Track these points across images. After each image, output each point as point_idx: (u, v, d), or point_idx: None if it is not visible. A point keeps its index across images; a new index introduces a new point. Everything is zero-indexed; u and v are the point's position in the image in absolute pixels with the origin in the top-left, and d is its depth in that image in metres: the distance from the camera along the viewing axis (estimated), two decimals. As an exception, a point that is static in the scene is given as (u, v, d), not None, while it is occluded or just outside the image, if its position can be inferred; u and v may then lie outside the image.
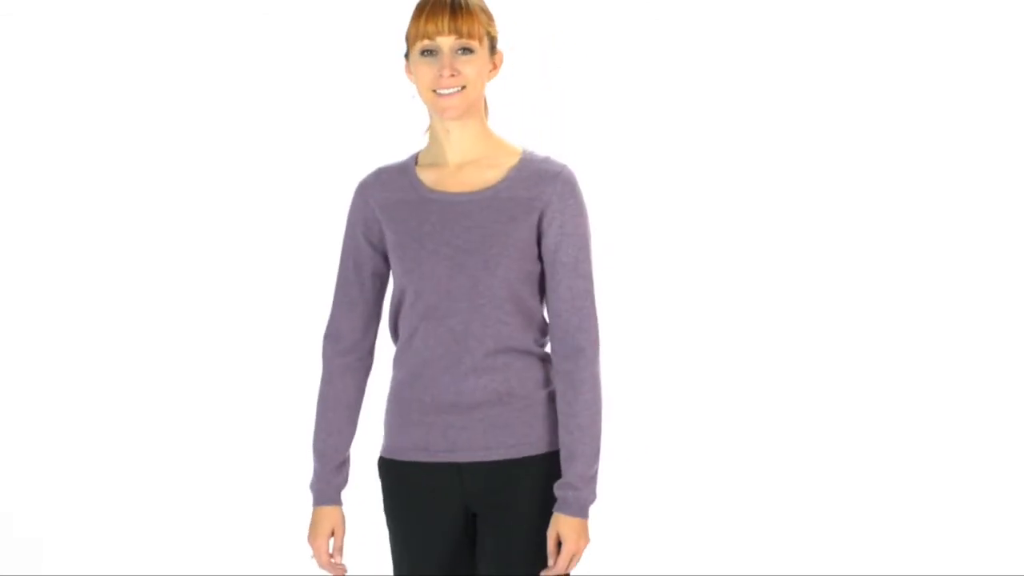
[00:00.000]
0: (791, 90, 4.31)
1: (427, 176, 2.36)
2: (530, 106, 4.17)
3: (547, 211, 2.31)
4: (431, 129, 2.37)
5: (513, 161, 2.34)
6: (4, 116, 4.33)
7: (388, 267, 2.41)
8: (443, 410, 2.33)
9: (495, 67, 2.34)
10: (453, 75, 2.26)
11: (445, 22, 2.26)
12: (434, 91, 2.28)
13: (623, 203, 4.25)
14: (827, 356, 4.30)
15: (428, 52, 2.28)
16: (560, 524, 2.29)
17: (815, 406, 4.29)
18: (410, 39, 2.30)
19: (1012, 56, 4.22)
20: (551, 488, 2.31)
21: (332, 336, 2.44)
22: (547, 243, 2.31)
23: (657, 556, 4.15)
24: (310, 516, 2.42)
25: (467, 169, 2.34)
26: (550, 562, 2.30)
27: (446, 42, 2.27)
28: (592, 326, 2.32)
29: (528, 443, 2.33)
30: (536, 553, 2.31)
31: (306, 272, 4.36)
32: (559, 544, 2.30)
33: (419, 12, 2.29)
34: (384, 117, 4.31)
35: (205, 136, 4.37)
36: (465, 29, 2.26)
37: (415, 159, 2.40)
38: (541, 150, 2.39)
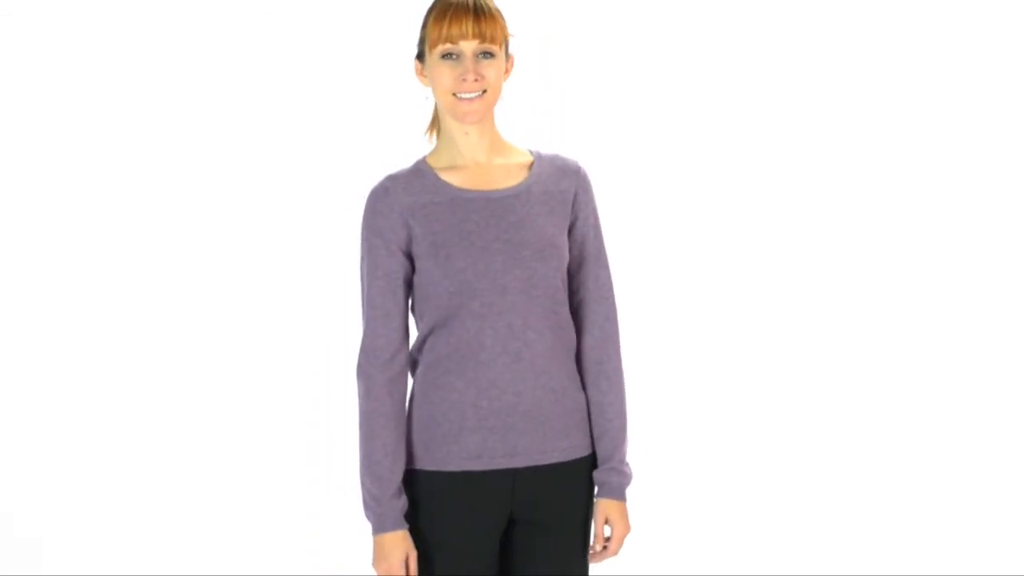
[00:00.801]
0: (791, 90, 4.32)
1: (452, 177, 2.33)
2: (530, 106, 4.18)
3: (575, 204, 2.35)
4: (445, 131, 2.35)
5: (528, 158, 2.37)
6: (4, 116, 4.33)
7: (414, 273, 2.32)
8: (504, 413, 2.28)
9: (508, 70, 2.35)
10: (476, 79, 2.25)
11: (469, 26, 2.24)
12: (454, 95, 2.27)
13: (622, 202, 4.25)
14: (826, 354, 4.30)
15: (449, 55, 2.26)
16: (609, 509, 2.36)
17: (814, 404, 4.29)
18: (429, 41, 2.27)
19: (1012, 56, 4.22)
20: (592, 488, 2.37)
21: (372, 351, 2.30)
22: (576, 235, 2.35)
23: (657, 556, 4.16)
24: (373, 544, 2.29)
25: (491, 167, 2.34)
26: (597, 547, 2.38)
27: (469, 46, 2.25)
28: (616, 316, 2.40)
29: (578, 445, 2.35)
30: (587, 551, 2.37)
31: (306, 272, 4.36)
32: (601, 530, 2.37)
33: (441, 15, 2.26)
34: (384, 117, 4.31)
35: (205, 136, 4.37)
36: (488, 33, 2.25)
37: (424, 163, 2.36)
38: (543, 149, 2.41)
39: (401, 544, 2.27)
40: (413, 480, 2.31)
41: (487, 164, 2.33)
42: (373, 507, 2.28)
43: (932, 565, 4.11)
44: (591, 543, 2.39)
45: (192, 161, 4.38)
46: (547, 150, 2.39)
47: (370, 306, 2.29)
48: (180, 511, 4.31)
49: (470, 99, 2.26)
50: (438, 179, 2.31)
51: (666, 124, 4.33)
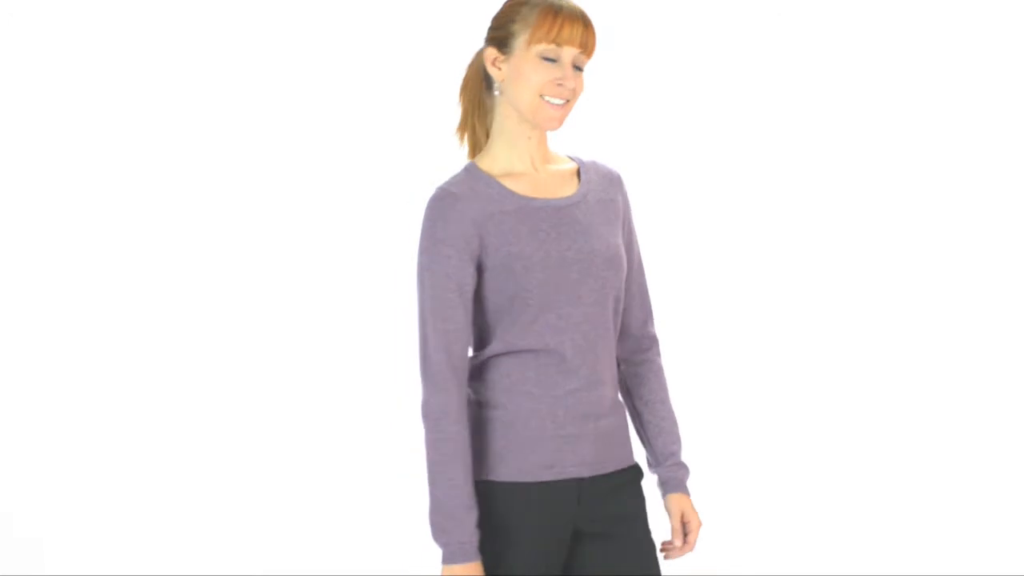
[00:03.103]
0: (791, 90, 4.31)
1: (513, 184, 2.24)
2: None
3: (622, 212, 2.35)
4: (504, 134, 2.27)
5: (573, 164, 2.34)
6: (4, 116, 4.33)
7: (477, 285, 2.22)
8: (578, 423, 2.24)
9: None
10: (571, 87, 2.21)
11: (578, 34, 2.19)
12: (542, 96, 2.21)
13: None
14: (830, 353, 4.30)
15: (548, 57, 2.20)
16: (682, 503, 2.38)
17: (815, 404, 4.29)
18: (530, 36, 2.19)
19: (1013, 56, 4.22)
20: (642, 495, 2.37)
21: (450, 368, 2.17)
22: (623, 243, 2.35)
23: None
24: (456, 574, 2.17)
25: (547, 174, 2.29)
26: (677, 543, 2.39)
27: (570, 53, 2.20)
28: (653, 319, 2.43)
29: (629, 453, 2.36)
30: (656, 554, 2.37)
31: (306, 273, 4.36)
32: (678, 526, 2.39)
33: (551, 14, 2.18)
34: (384, 117, 4.31)
35: (205, 137, 4.37)
36: (590, 46, 2.22)
37: (479, 168, 2.26)
38: (579, 154, 2.40)
39: (479, 573, 2.18)
40: (485, 492, 2.22)
41: (543, 171, 2.28)
42: (453, 535, 2.16)
43: (933, 565, 4.11)
44: (671, 539, 2.40)
45: (192, 161, 4.37)
46: (584, 156, 2.37)
47: (442, 319, 2.17)
48: (180, 511, 4.30)
49: (558, 105, 2.20)
50: (502, 187, 2.23)
51: (666, 124, 4.32)
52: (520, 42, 2.20)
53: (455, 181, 2.24)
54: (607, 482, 2.29)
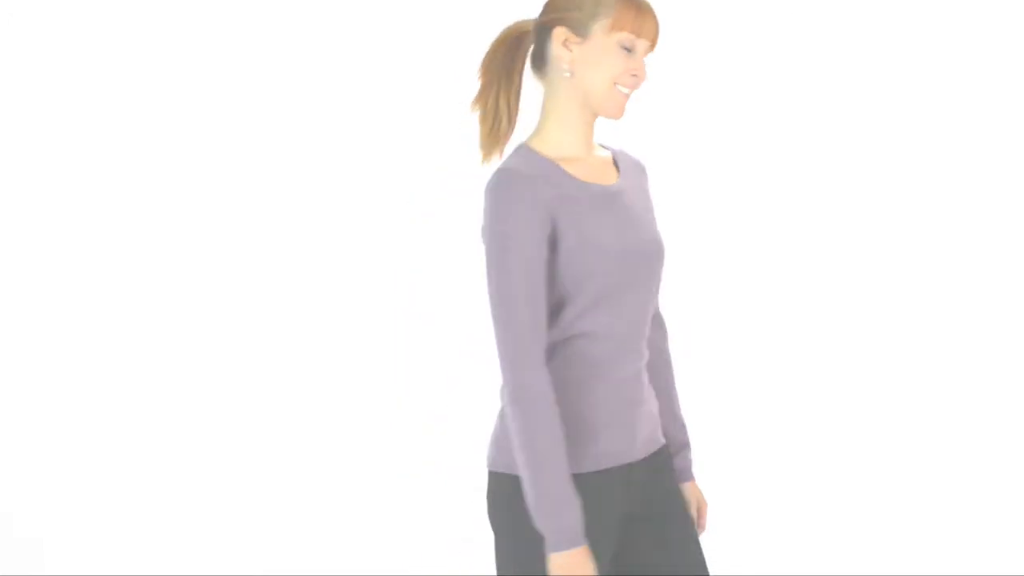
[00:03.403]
0: (792, 90, 4.31)
1: (570, 169, 2.21)
2: (534, 106, 4.17)
3: (651, 202, 2.36)
4: (564, 118, 2.22)
5: (608, 152, 2.33)
6: (4, 116, 4.33)
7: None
8: (630, 409, 2.24)
9: None
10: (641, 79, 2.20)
11: (653, 27, 2.18)
12: (615, 84, 2.18)
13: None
14: (827, 353, 4.30)
15: (626, 47, 2.17)
16: (695, 490, 2.44)
17: (815, 403, 4.29)
18: (611, 23, 2.16)
19: (1016, 57, 4.22)
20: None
21: (538, 351, 2.10)
22: None
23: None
24: (557, 561, 2.09)
25: (595, 161, 2.28)
26: (701, 523, 2.47)
27: (643, 45, 2.19)
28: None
29: (660, 432, 2.38)
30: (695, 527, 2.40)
31: (307, 274, 4.36)
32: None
33: (636, 5, 2.17)
34: (384, 117, 4.31)
35: (205, 137, 4.37)
36: (657, 40, 2.21)
37: (535, 151, 2.21)
38: (604, 142, 2.41)
39: (589, 560, 2.11)
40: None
41: (591, 157, 2.27)
42: (567, 522, 2.09)
43: (933, 565, 4.11)
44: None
45: (192, 162, 4.37)
46: (611, 144, 2.37)
47: (532, 300, 2.10)
48: (181, 511, 4.30)
49: (626, 95, 2.19)
50: (563, 171, 2.18)
51: (668, 124, 4.32)
52: (599, 27, 2.17)
53: (519, 162, 2.16)
54: (649, 463, 2.30)
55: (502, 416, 2.24)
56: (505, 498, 2.20)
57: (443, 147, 4.22)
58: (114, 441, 4.33)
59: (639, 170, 2.35)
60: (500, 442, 2.22)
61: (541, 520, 2.08)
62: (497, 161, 2.28)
